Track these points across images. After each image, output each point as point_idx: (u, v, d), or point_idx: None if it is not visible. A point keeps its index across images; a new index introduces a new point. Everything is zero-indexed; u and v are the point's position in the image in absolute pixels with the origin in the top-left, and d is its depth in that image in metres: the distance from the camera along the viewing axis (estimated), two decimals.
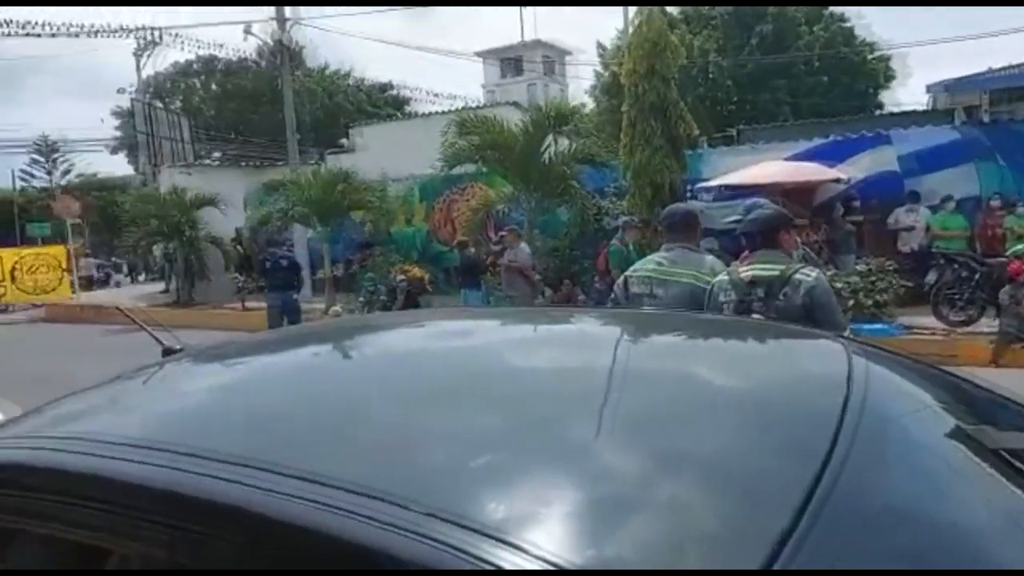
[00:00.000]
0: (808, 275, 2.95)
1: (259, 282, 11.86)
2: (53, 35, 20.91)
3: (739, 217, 3.78)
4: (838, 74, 26.96)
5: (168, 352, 1.64)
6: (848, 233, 10.64)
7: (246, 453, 0.96)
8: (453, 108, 18.43)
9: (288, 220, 14.68)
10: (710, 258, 3.42)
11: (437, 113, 18.71)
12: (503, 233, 10.86)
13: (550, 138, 11.84)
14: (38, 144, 37.12)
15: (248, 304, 14.04)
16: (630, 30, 11.79)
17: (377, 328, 1.87)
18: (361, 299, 13.01)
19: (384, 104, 38.20)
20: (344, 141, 22.29)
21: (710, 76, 26.36)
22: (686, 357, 1.44)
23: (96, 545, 1.00)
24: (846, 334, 2.03)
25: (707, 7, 27.75)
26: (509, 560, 0.71)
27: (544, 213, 12.44)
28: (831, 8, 27.91)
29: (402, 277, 12.54)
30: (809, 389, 1.23)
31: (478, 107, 18.93)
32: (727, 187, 10.83)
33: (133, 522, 0.95)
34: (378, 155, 15.92)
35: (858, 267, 9.27)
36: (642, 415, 1.07)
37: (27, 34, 20.71)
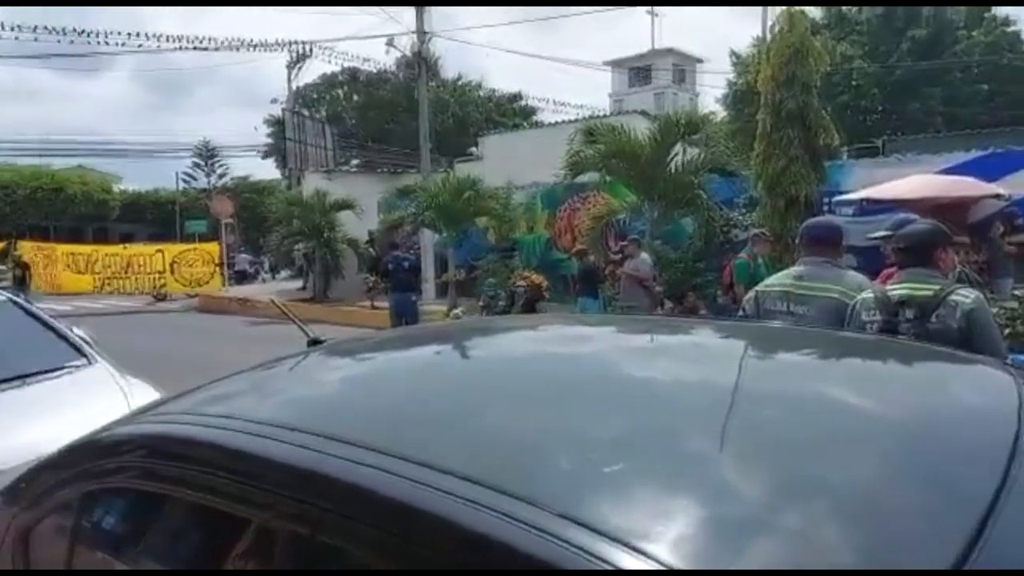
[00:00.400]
0: (966, 297, 2.70)
1: (387, 283, 12.37)
2: (217, 49, 22.96)
3: (887, 232, 3.51)
4: (1000, 82, 24.63)
5: (314, 343, 1.74)
6: (1007, 255, 9.68)
7: (383, 441, 1.00)
8: (579, 118, 18.44)
9: (418, 224, 15.24)
10: (853, 273, 3.21)
11: (563, 122, 18.82)
12: (624, 243, 10.71)
13: (678, 147, 11.59)
14: (199, 149, 40.71)
15: (376, 304, 14.68)
16: (768, 36, 11.34)
17: (509, 330, 1.89)
18: (480, 303, 13.28)
19: (512, 114, 38.88)
20: (473, 150, 22.88)
21: (854, 83, 24.85)
22: (839, 377, 1.36)
23: (237, 515, 1.08)
24: (1008, 363, 1.84)
25: (855, 8, 26.17)
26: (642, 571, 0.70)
27: (668, 223, 12.18)
28: (994, 10, 25.57)
29: (521, 283, 12.68)
30: (975, 421, 1.12)
31: (604, 116, 18.84)
32: (869, 201, 10.13)
33: (273, 496, 1.01)
34: (503, 163, 16.21)
35: (1016, 292, 8.42)
36: (787, 436, 1.01)
37: (195, 48, 22.88)
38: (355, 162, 31.26)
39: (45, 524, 1.46)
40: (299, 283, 22.05)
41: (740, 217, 11.93)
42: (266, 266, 30.54)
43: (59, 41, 21.56)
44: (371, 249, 17.73)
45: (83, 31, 21.94)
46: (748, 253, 9.28)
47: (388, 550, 0.88)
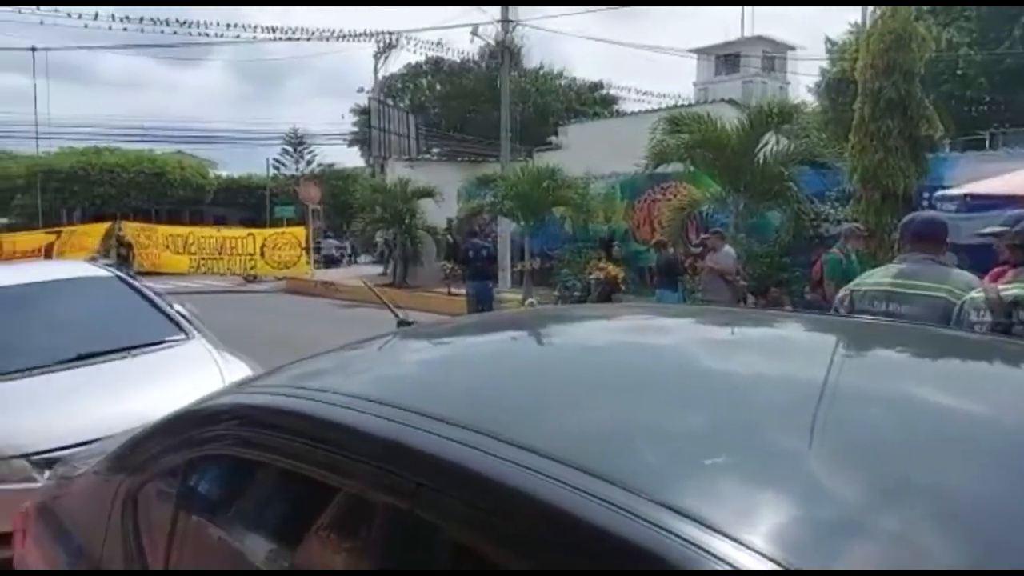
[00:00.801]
0: None
1: (464, 270, 12.52)
2: (309, 39, 23.76)
3: (1001, 228, 3.29)
4: None
5: (403, 324, 1.77)
6: None
7: (473, 419, 1.01)
8: (662, 107, 18.07)
9: (496, 213, 15.35)
10: (959, 271, 3.03)
11: (645, 111, 18.51)
12: (705, 236, 10.47)
13: (768, 136, 11.20)
14: (289, 137, 42.21)
15: (453, 290, 14.88)
16: (868, 23, 10.79)
17: (595, 318, 1.88)
18: (556, 293, 13.26)
19: (593, 103, 38.49)
20: (552, 139, 22.82)
21: (958, 72, 23.33)
22: (955, 378, 1.28)
23: (328, 483, 1.11)
24: None
25: None
26: (742, 561, 0.69)
27: (753, 216, 11.80)
28: None
29: (597, 274, 12.58)
30: None
31: (689, 105, 18.40)
32: (974, 197, 9.52)
33: (362, 466, 1.04)
34: (583, 153, 16.09)
35: None
36: (897, 437, 0.96)
37: (288, 39, 23.75)
38: (436, 150, 31.73)
39: (150, 487, 1.54)
40: (380, 269, 22.59)
41: (832, 211, 11.45)
42: (349, 251, 31.40)
43: (162, 32, 22.77)
44: (450, 236, 17.99)
45: (184, 22, 23.11)
46: (840, 248, 8.88)
47: (475, 524, 0.89)
